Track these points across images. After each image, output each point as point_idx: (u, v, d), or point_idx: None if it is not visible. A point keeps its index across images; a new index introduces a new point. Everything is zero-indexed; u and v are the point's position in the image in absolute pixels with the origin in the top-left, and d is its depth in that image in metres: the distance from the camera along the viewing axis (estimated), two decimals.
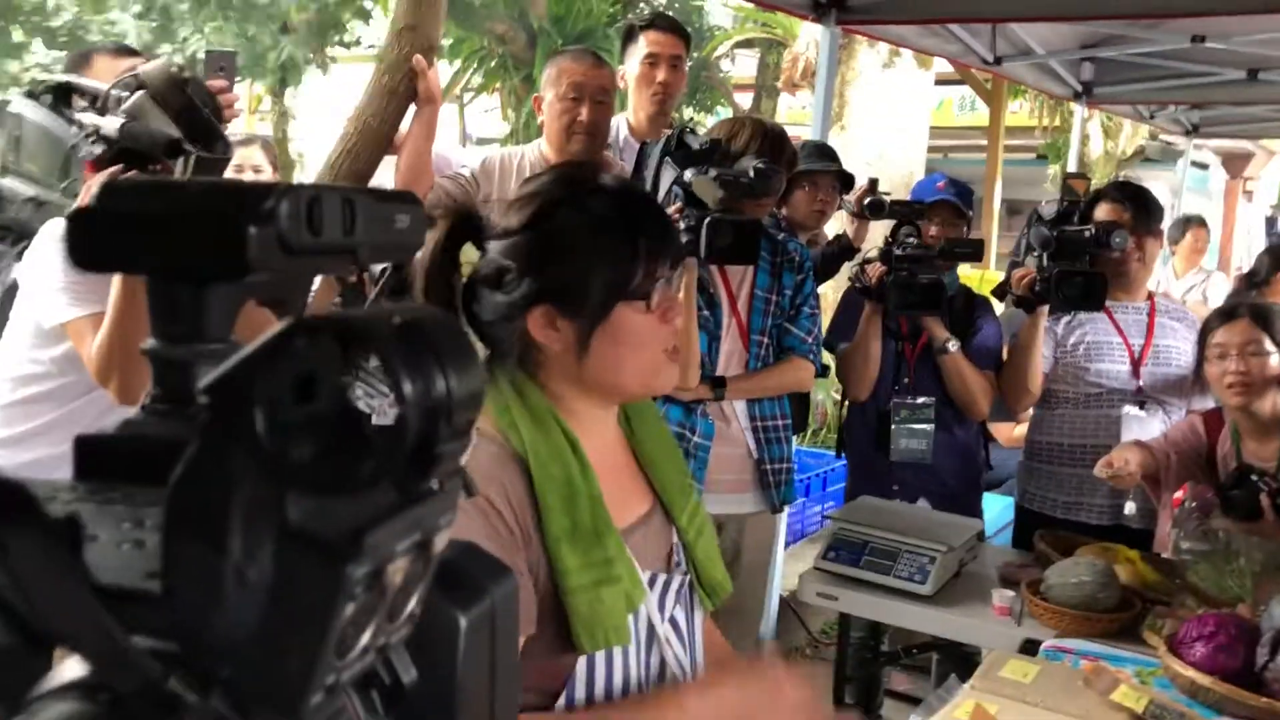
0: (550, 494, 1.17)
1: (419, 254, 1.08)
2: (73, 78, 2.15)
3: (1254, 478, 2.59)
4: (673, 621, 1.28)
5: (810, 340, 2.79)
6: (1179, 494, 2.71)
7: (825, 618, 4.28)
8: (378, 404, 0.28)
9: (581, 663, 1.17)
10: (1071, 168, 7.02)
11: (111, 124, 1.92)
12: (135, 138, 1.90)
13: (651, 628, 1.24)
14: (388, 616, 0.31)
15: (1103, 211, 3.08)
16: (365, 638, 0.31)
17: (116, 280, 1.99)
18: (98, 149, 1.95)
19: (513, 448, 1.19)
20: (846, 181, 3.34)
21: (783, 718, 1.18)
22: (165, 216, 0.33)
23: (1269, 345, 2.58)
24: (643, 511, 1.30)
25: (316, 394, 0.28)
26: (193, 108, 1.99)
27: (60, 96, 2.11)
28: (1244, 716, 1.95)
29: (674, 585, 1.29)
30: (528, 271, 1.18)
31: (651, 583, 1.25)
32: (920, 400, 3.04)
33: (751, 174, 2.48)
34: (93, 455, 0.34)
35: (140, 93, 1.95)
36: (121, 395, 2.08)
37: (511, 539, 1.15)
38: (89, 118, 1.97)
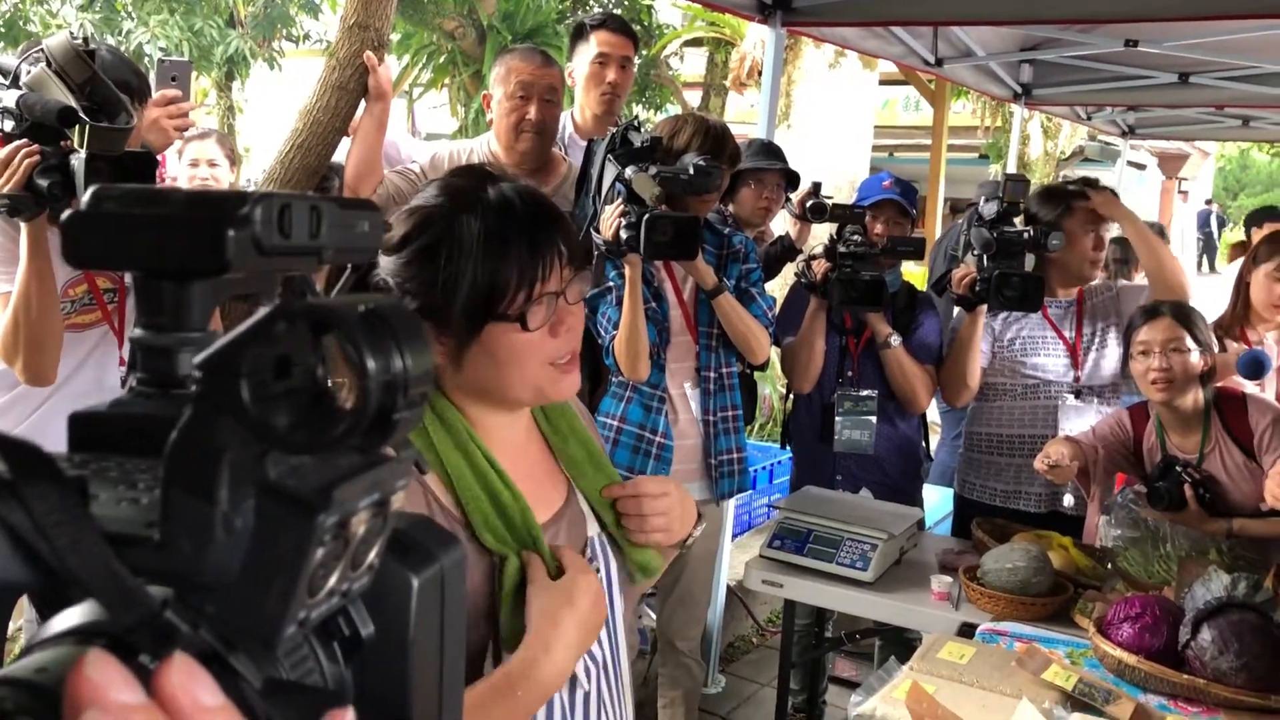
0: (475, 513, 1.18)
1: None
2: None
3: (1178, 469, 2.70)
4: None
5: (765, 316, 2.86)
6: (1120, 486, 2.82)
7: (771, 607, 4.37)
8: (344, 379, 0.33)
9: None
10: (1011, 167, 7.18)
11: (11, 96, 1.93)
12: (30, 108, 1.91)
13: None
14: (351, 564, 0.36)
15: (1084, 214, 3.13)
16: (332, 580, 0.36)
17: (23, 262, 1.99)
18: (8, 124, 1.96)
19: (436, 470, 1.19)
20: (792, 179, 3.41)
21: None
22: (153, 220, 0.37)
23: (1190, 343, 2.68)
24: (559, 505, 1.31)
25: (292, 371, 0.33)
26: (95, 79, 1.99)
27: None
28: (1166, 693, 2.05)
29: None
30: (404, 289, 1.18)
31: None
32: (863, 393, 3.12)
33: (691, 171, 2.54)
34: (86, 430, 0.38)
35: (40, 65, 1.95)
36: (27, 375, 2.08)
37: None
38: None
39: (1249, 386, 2.99)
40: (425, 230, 1.19)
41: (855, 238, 3.01)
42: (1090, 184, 3.21)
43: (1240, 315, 3.30)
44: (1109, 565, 2.66)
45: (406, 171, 2.90)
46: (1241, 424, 2.72)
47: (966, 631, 2.42)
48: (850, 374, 3.17)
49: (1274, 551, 2.61)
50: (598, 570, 1.32)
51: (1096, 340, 3.16)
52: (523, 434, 1.32)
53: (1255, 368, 2.89)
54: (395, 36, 9.80)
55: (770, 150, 3.46)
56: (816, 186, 3.25)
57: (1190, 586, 2.19)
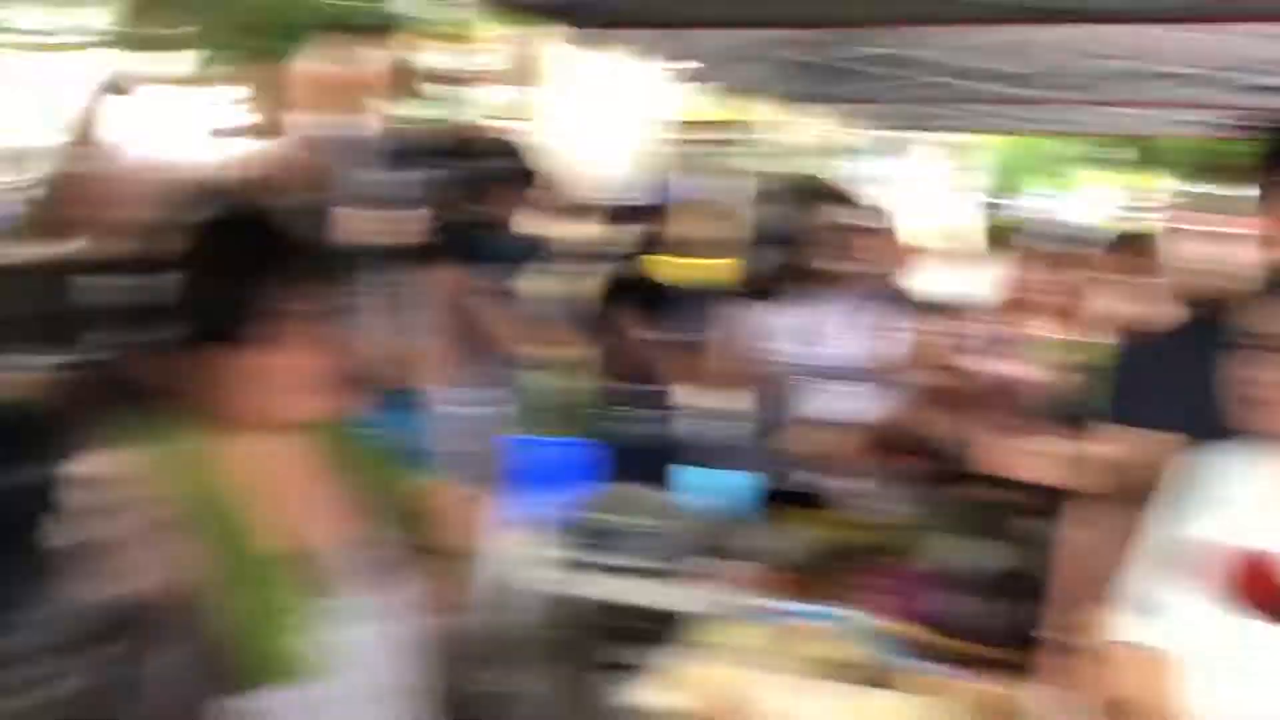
0: (208, 538, 1.12)
1: None
2: None
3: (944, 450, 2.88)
4: (376, 636, 1.23)
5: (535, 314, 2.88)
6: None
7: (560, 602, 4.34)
8: None
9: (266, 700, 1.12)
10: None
11: None
12: None
13: (341, 650, 1.18)
14: None
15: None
16: None
17: None
18: None
19: (165, 507, 1.12)
20: (551, 181, 3.41)
21: None
22: None
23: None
24: (348, 528, 1.26)
25: None
26: None
27: None
28: (933, 658, 2.16)
29: (372, 601, 1.24)
30: (148, 313, 1.16)
31: (345, 602, 1.20)
32: (647, 387, 3.18)
33: (466, 174, 2.54)
34: None
35: None
36: None
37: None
38: None
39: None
40: (166, 253, 1.15)
41: (627, 238, 3.07)
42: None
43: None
44: (879, 539, 2.80)
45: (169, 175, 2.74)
46: None
47: (745, 613, 2.48)
48: (638, 370, 3.22)
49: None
50: (390, 586, 1.26)
51: (844, 324, 3.32)
52: (295, 457, 1.25)
53: None
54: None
55: (531, 153, 3.46)
56: (581, 187, 3.28)
57: (947, 556, 2.35)
